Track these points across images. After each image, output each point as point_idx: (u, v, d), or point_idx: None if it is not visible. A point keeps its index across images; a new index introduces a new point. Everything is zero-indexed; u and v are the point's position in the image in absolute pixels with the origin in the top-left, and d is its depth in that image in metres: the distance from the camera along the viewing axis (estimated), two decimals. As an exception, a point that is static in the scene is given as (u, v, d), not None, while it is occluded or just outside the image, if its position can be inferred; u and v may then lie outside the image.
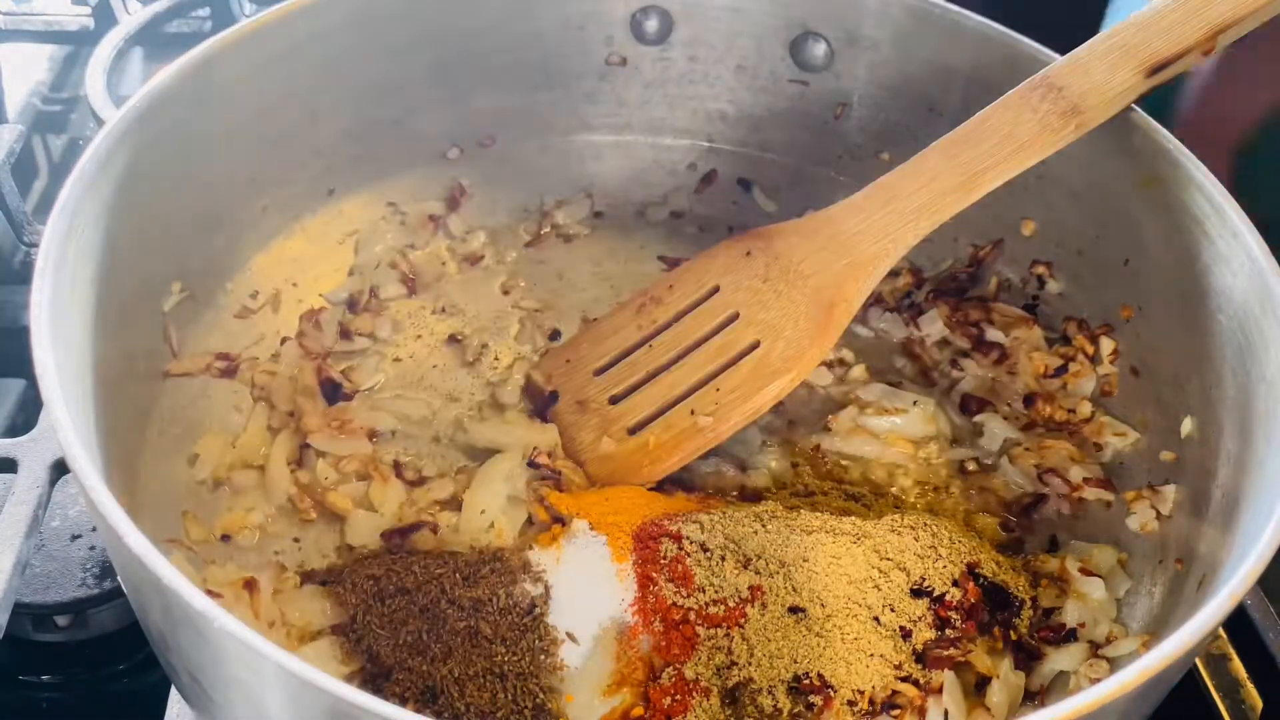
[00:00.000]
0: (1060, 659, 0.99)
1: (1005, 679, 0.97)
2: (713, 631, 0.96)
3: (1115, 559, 1.06)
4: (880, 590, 0.98)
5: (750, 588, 0.97)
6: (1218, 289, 1.01)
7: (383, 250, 1.27)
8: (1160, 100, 1.06)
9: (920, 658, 0.96)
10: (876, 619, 0.97)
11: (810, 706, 0.94)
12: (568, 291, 1.29)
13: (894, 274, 1.27)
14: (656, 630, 0.96)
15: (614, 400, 1.13)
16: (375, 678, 0.94)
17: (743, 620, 0.96)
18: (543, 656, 0.95)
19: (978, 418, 1.17)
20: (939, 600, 0.98)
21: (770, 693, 0.94)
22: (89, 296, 0.93)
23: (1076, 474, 1.12)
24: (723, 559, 0.99)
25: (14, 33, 1.65)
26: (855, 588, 0.98)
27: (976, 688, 0.97)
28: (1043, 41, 1.14)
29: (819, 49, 1.27)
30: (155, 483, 1.04)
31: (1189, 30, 1.02)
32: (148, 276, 1.05)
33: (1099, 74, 1.05)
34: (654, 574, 0.99)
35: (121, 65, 1.60)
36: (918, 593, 0.99)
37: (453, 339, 1.23)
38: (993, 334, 1.22)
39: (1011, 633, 1.00)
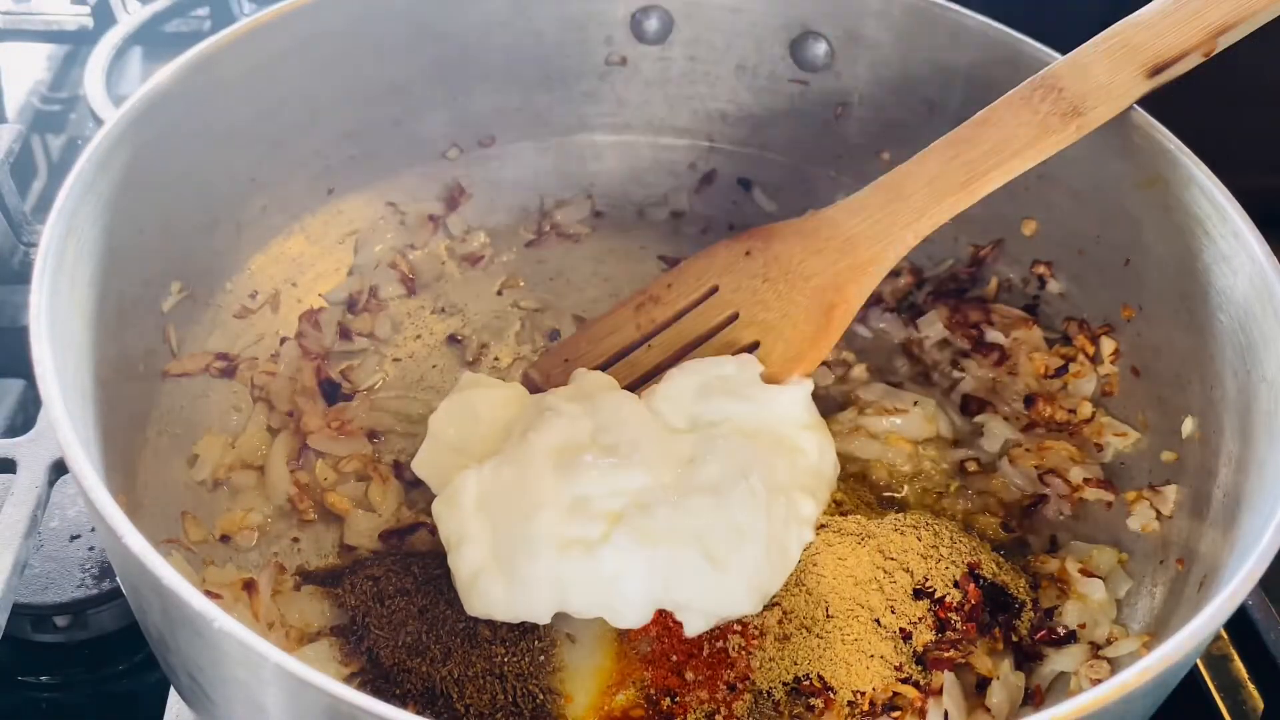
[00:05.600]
0: (1060, 660, 0.99)
1: (1005, 680, 0.97)
2: (714, 632, 0.96)
3: (1116, 560, 1.06)
4: (884, 591, 0.98)
5: (750, 588, 0.97)
6: (1219, 289, 1.01)
7: (382, 250, 1.27)
8: None
9: (920, 659, 0.96)
10: (877, 620, 0.97)
11: (811, 708, 0.94)
12: (567, 291, 1.29)
13: (894, 274, 1.27)
14: (656, 631, 0.96)
15: (613, 400, 1.13)
16: (375, 679, 0.94)
17: (745, 621, 0.96)
18: (542, 657, 0.95)
19: (978, 418, 1.17)
20: (939, 601, 0.98)
21: (770, 694, 0.94)
22: (88, 296, 0.93)
23: (1077, 474, 1.11)
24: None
25: (13, 32, 1.65)
26: (860, 589, 0.98)
27: (977, 688, 0.97)
28: (1043, 41, 1.14)
29: (819, 48, 1.27)
30: (154, 483, 1.04)
31: (1190, 31, 1.02)
32: (147, 276, 1.05)
33: (1100, 75, 1.05)
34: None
35: (120, 65, 1.60)
36: (919, 594, 0.99)
37: (452, 339, 1.23)
38: (993, 335, 1.22)
39: (1012, 634, 1.00)
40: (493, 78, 1.28)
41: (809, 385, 1.06)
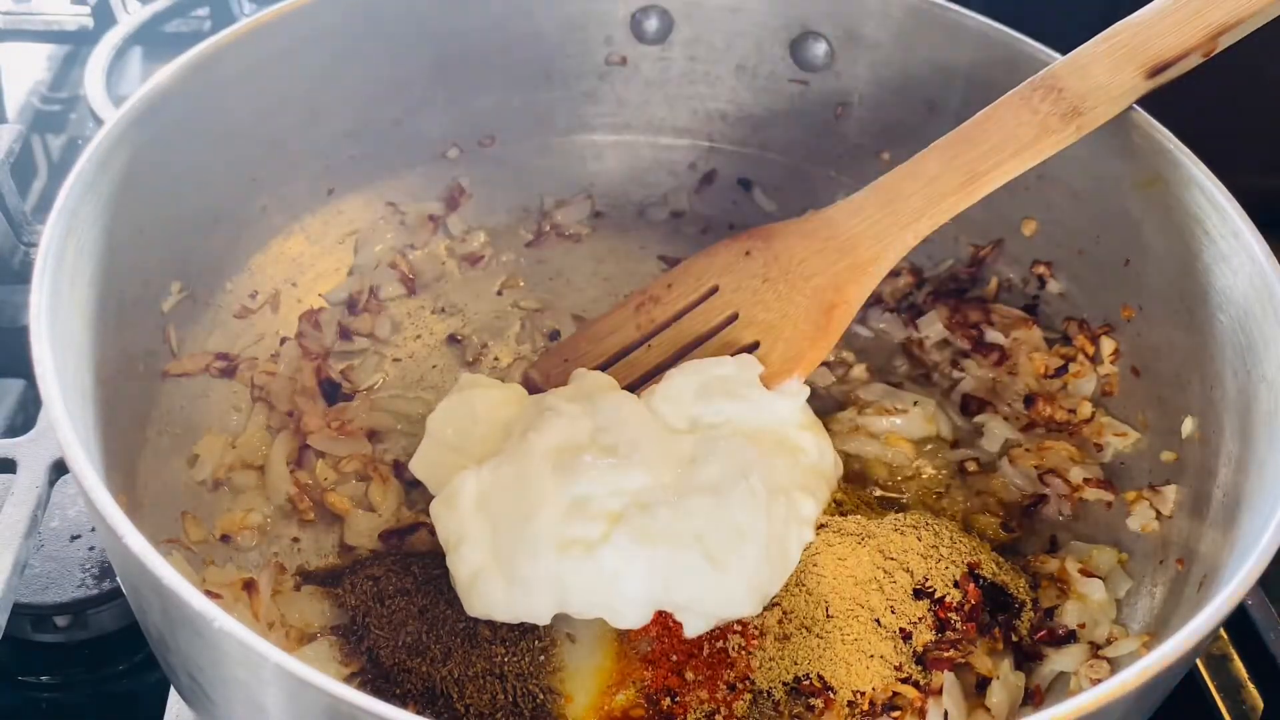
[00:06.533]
0: (1060, 660, 0.99)
1: (1005, 680, 0.97)
2: (714, 632, 0.96)
3: (1115, 560, 1.06)
4: (884, 592, 0.98)
5: (750, 588, 0.97)
6: (1218, 289, 1.01)
7: (382, 250, 1.27)
8: None
9: (920, 659, 0.96)
10: (877, 620, 0.97)
11: (811, 708, 0.94)
12: (567, 292, 1.29)
13: (894, 274, 1.27)
14: (656, 631, 0.96)
15: (613, 401, 1.12)
16: (375, 679, 0.94)
17: (745, 621, 0.96)
18: (542, 657, 0.95)
19: (978, 418, 1.17)
20: (939, 601, 0.98)
21: (770, 694, 0.94)
22: (88, 296, 0.93)
23: (1077, 474, 1.11)
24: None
25: (13, 32, 1.65)
26: (860, 589, 0.98)
27: (977, 688, 0.97)
28: (1043, 41, 1.14)
29: (819, 48, 1.27)
30: (155, 483, 1.04)
31: (1190, 31, 1.02)
32: (147, 276, 1.05)
33: (1100, 75, 1.05)
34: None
35: (120, 65, 1.60)
36: (919, 594, 0.99)
37: (452, 339, 1.23)
38: (992, 335, 1.22)
39: (1012, 634, 1.00)
40: (493, 78, 1.28)
41: (805, 391, 1.07)
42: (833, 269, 1.10)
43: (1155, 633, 0.99)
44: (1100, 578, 1.04)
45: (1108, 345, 1.17)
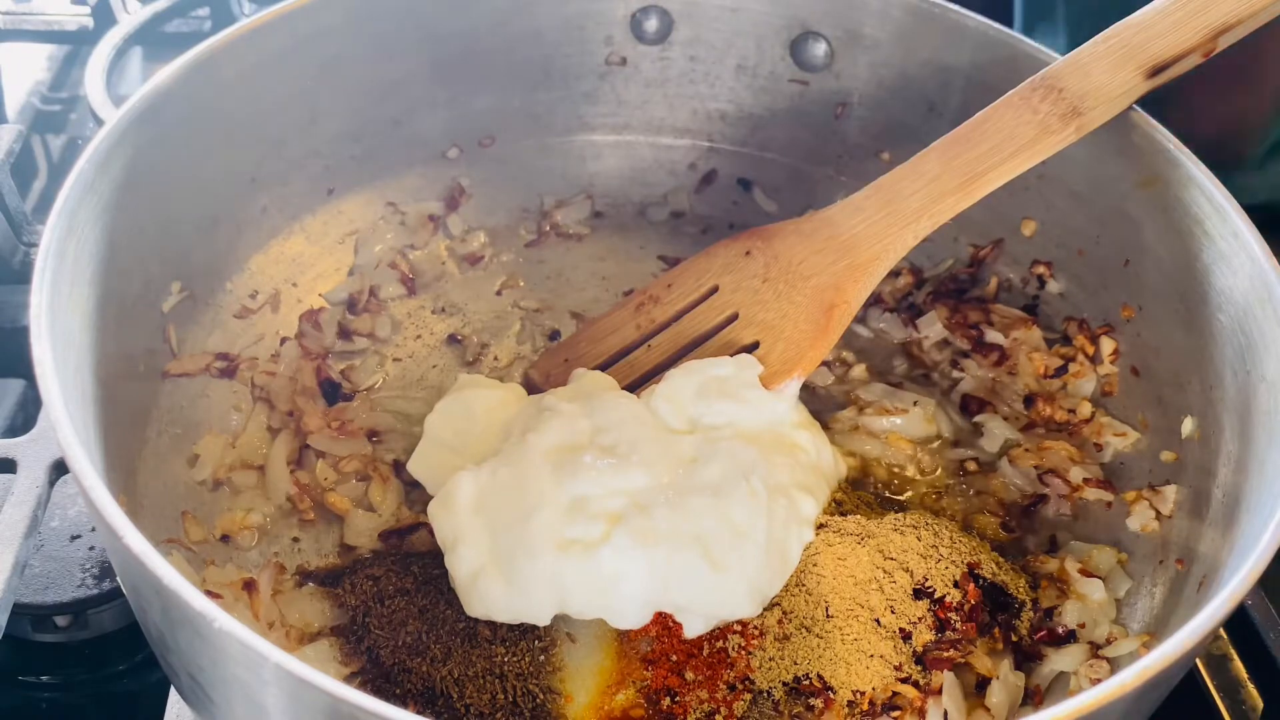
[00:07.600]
0: (1060, 660, 0.99)
1: (1005, 680, 0.97)
2: (714, 632, 0.96)
3: (1115, 560, 1.06)
4: (884, 592, 0.98)
5: (750, 588, 0.97)
6: (1218, 289, 1.01)
7: (382, 250, 1.27)
8: None
9: (920, 659, 0.96)
10: (877, 620, 0.97)
11: (810, 708, 0.94)
12: (567, 291, 1.29)
13: (894, 274, 1.27)
14: (656, 631, 0.96)
15: (613, 400, 1.12)
16: (375, 679, 0.94)
17: (745, 621, 0.96)
18: (542, 657, 0.95)
19: (978, 418, 1.17)
20: (939, 601, 0.98)
21: (770, 694, 0.94)
22: (88, 296, 0.93)
23: (1076, 474, 1.11)
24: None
25: (13, 32, 1.65)
26: (860, 589, 0.98)
27: (977, 688, 0.97)
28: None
29: (819, 49, 1.27)
30: (155, 483, 1.04)
31: (1190, 31, 1.02)
32: (147, 276, 1.05)
33: (1099, 75, 1.05)
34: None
35: (121, 65, 1.60)
36: (919, 594, 0.99)
37: (452, 339, 1.23)
38: (992, 335, 1.22)
39: (1011, 634, 1.00)
40: (493, 78, 1.28)
41: (797, 391, 1.07)
42: (833, 269, 1.10)
43: (1155, 633, 0.99)
44: (1100, 578, 1.04)
45: (1107, 345, 1.17)
